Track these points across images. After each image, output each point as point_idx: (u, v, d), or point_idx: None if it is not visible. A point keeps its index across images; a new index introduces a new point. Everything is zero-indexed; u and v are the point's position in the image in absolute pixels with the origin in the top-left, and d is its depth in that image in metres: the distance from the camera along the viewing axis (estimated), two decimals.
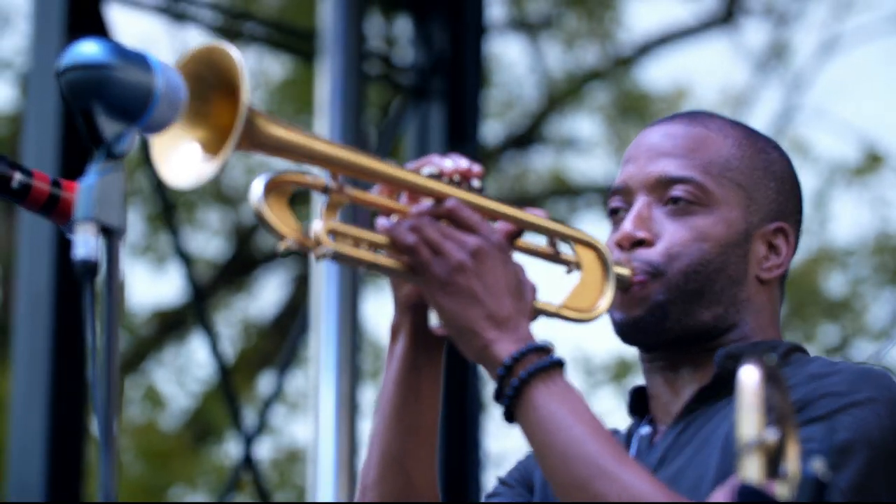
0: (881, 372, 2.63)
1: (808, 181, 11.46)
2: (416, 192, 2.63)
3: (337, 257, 2.53)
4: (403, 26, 7.49)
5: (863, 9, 11.41)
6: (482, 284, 2.54)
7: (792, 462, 2.05)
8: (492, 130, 11.63)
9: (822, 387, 2.59)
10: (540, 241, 2.77)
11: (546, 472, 2.52)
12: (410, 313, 2.69)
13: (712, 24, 11.59)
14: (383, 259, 2.57)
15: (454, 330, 2.56)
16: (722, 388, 2.75)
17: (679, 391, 2.81)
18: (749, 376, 2.05)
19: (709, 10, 11.59)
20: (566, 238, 2.76)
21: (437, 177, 2.63)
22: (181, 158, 2.47)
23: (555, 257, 2.77)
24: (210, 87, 2.46)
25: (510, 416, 2.55)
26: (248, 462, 7.17)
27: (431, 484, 2.73)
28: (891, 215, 12.13)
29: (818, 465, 2.05)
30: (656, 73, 12.05)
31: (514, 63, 11.86)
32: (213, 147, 2.47)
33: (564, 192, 12.16)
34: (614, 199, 2.89)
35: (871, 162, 11.94)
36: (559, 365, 2.54)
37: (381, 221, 2.59)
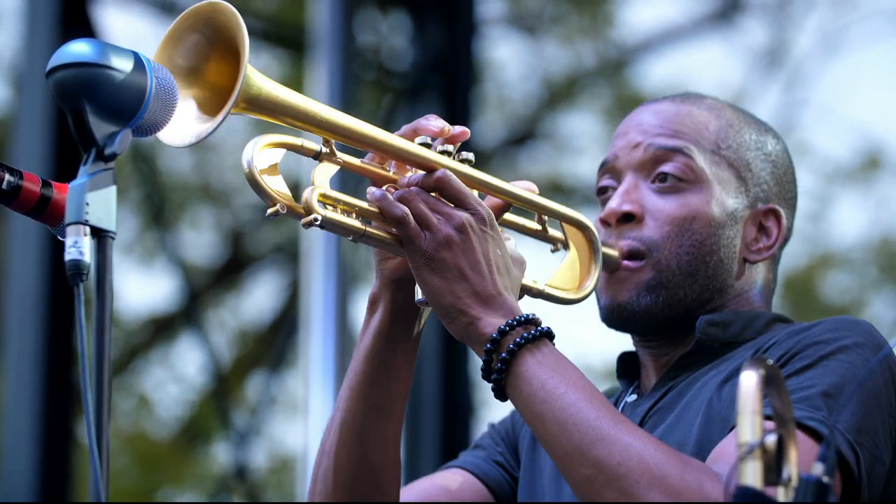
0: (861, 319, 2.62)
1: (808, 181, 11.43)
2: (407, 161, 2.59)
3: (325, 225, 2.48)
4: (399, 23, 7.46)
5: (865, 8, 11.38)
6: (468, 260, 2.50)
7: (792, 466, 2.03)
8: (489, 129, 11.60)
9: (807, 338, 2.58)
10: (530, 217, 2.75)
11: (543, 442, 2.47)
12: (392, 287, 2.65)
13: (710, 23, 11.57)
14: (371, 229, 2.53)
15: (439, 306, 2.52)
16: (702, 356, 2.74)
17: (667, 363, 2.81)
18: (748, 380, 2.03)
19: (707, 9, 11.57)
20: (555, 215, 2.74)
21: (429, 145, 2.60)
22: (177, 117, 2.42)
23: (543, 235, 2.75)
24: (209, 44, 2.42)
25: (501, 393, 2.50)
26: (238, 465, 7.16)
27: (390, 462, 2.67)
28: (892, 217, 12.10)
29: (819, 469, 2.03)
30: (654, 72, 12.02)
31: (509, 62, 11.84)
32: (210, 106, 2.43)
33: (560, 191, 12.14)
34: (603, 178, 2.87)
35: (872, 163, 11.91)
36: (548, 335, 2.50)
37: (372, 190, 2.56)
